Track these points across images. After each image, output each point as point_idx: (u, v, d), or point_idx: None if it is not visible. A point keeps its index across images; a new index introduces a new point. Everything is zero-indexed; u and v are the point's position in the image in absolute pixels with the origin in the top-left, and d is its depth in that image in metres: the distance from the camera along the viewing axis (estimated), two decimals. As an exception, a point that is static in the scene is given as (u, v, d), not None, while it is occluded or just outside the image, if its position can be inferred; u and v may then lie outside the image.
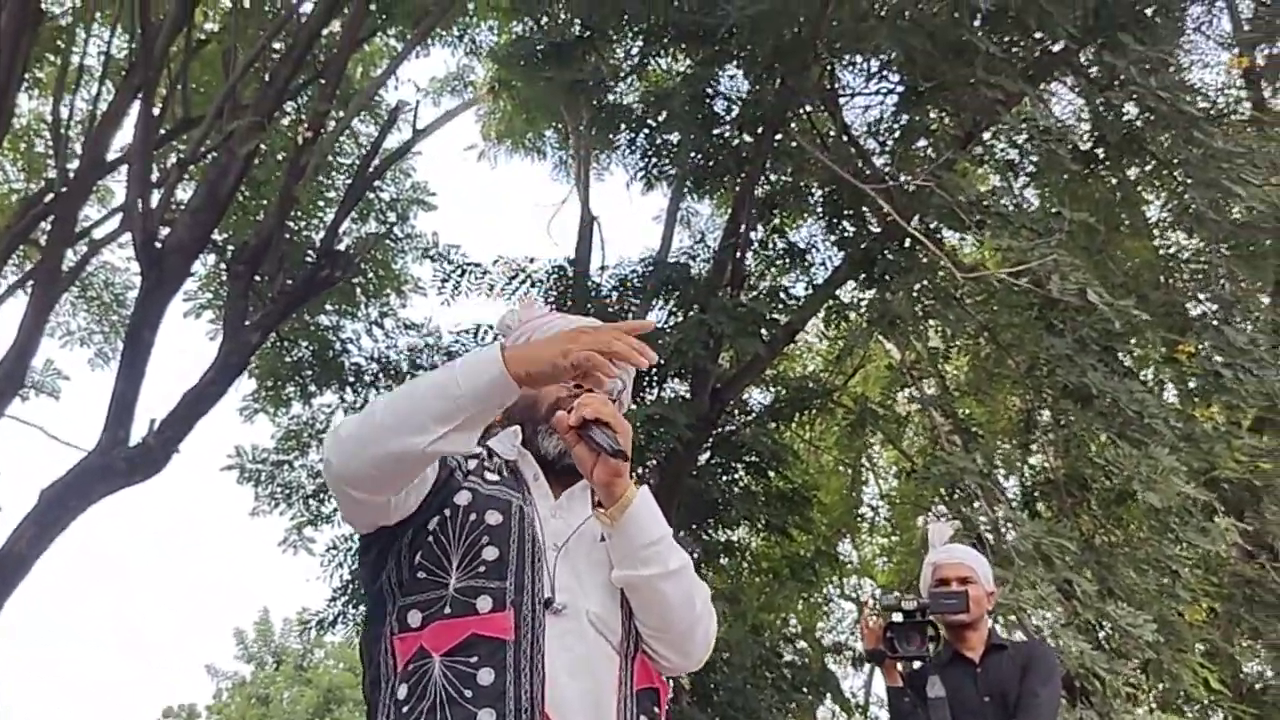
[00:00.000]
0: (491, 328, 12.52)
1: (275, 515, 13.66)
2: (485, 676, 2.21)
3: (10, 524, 10.32)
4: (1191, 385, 10.88)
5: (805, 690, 12.99)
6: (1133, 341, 9.97)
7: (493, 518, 2.38)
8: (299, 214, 12.89)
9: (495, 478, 2.48)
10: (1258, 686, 10.96)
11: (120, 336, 14.82)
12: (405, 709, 2.24)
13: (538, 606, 2.30)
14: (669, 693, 2.53)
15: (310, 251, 12.55)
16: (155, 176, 11.81)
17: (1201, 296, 11.59)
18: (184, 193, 12.48)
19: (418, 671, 2.25)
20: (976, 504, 9.61)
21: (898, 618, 4.79)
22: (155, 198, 11.32)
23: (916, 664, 4.87)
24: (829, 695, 14.03)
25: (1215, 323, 9.96)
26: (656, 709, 2.44)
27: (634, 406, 10.80)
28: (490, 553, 2.33)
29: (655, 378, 11.37)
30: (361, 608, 11.44)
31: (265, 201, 13.08)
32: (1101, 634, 8.98)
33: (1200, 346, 9.85)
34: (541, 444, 2.55)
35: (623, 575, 2.41)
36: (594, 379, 2.29)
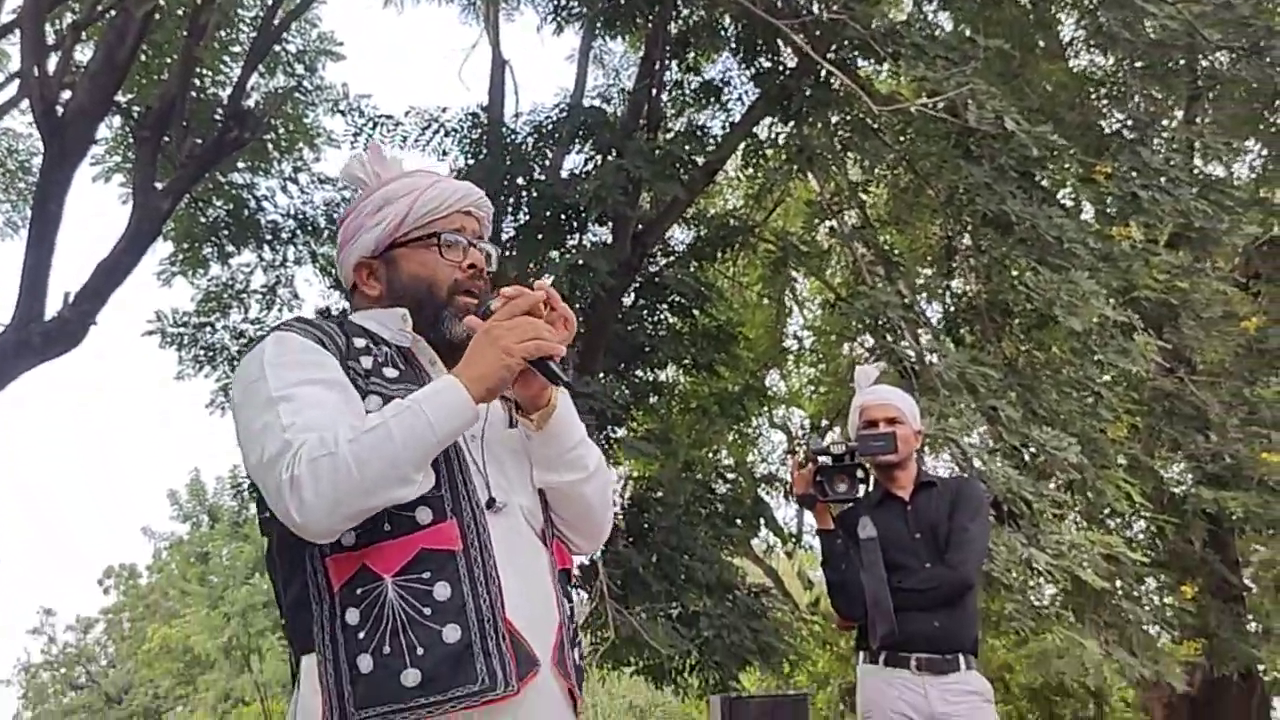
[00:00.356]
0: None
1: (200, 378, 13.56)
2: (441, 591, 2.17)
3: (-73, 405, 10.20)
4: (1109, 206, 10.94)
5: (739, 522, 13.15)
6: (1050, 166, 9.99)
7: None
8: (203, 72, 12.57)
9: (395, 373, 2.36)
10: (1178, 495, 11.17)
11: (27, 204, 14.53)
12: (361, 635, 2.18)
13: (477, 510, 2.26)
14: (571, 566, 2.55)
15: (218, 110, 12.27)
16: (51, 40, 11.44)
17: (1117, 116, 11.63)
18: (82, 56, 12.12)
19: (369, 595, 2.19)
20: (901, 334, 9.69)
21: (827, 461, 4.82)
22: (52, 63, 10.98)
23: (847, 506, 4.92)
24: (763, 525, 14.22)
25: (1131, 142, 10.00)
26: (569, 587, 2.46)
27: (555, 256, 10.77)
28: None
29: (575, 225, 11.30)
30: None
31: (168, 61, 12.74)
32: (1026, 456, 9.13)
33: (1116, 167, 9.90)
34: (447, 328, 2.44)
35: (548, 480, 2.42)
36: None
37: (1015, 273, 10.06)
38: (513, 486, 2.38)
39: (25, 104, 12.43)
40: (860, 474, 4.83)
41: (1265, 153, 13.10)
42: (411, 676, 2.13)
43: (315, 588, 2.24)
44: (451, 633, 2.15)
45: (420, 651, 2.14)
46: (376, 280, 2.50)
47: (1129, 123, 10.99)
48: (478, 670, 2.14)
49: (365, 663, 2.16)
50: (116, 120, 13.02)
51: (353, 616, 2.18)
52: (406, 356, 2.41)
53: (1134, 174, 9.44)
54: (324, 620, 2.22)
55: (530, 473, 2.43)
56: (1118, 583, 9.40)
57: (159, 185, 10.99)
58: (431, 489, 2.22)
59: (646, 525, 11.58)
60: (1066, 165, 10.13)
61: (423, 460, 2.15)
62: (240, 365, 2.33)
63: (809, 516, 18.66)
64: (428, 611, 2.16)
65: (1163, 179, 9.30)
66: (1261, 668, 14.86)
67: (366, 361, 2.33)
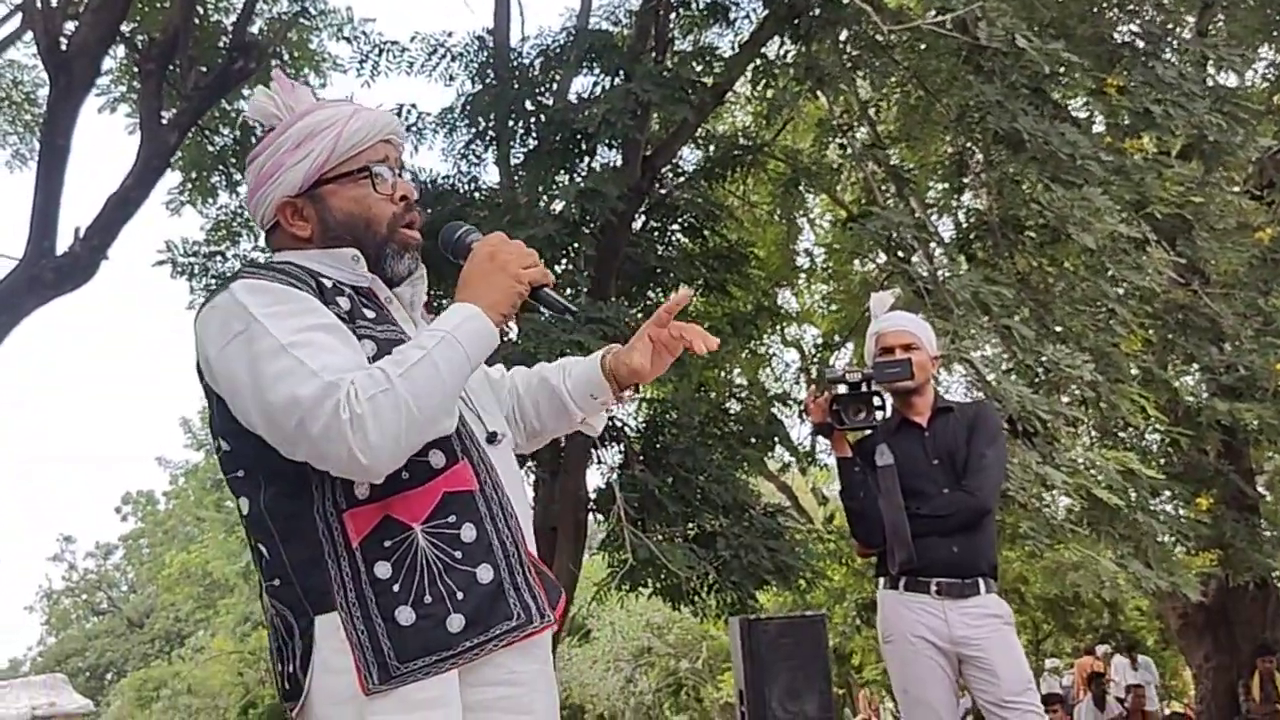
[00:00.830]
0: (415, 107, 12.31)
1: (213, 307, 13.55)
2: (468, 533, 2.18)
3: (-59, 339, 10.23)
4: (1121, 120, 10.87)
5: (754, 442, 13.20)
6: (1061, 80, 9.92)
7: None
8: (208, 1, 12.50)
9: (371, 314, 2.31)
10: (1192, 407, 11.19)
11: (35, 136, 14.49)
12: (397, 588, 2.15)
13: (480, 447, 2.27)
14: None
15: (223, 39, 12.21)
16: (53, -29, 11.37)
17: (1129, 28, 11.52)
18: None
19: (399, 546, 2.16)
20: (914, 251, 9.67)
21: (843, 390, 4.83)
22: (55, -5, 10.93)
23: (865, 433, 4.94)
24: (778, 443, 14.27)
25: (1143, 55, 9.92)
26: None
27: (564, 181, 10.74)
28: None
29: (584, 149, 11.26)
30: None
31: (170, -9, 12.66)
32: (1040, 373, 9.13)
33: (1128, 80, 9.83)
34: (389, 266, 2.38)
35: (579, 415, 2.54)
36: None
37: (1027, 189, 10.03)
38: (496, 417, 2.41)
39: (29, 36, 12.39)
40: (877, 401, 4.83)
41: (1279, 61, 13.00)
42: (456, 622, 2.14)
43: (330, 545, 2.17)
44: (485, 573, 2.17)
45: (460, 596, 2.15)
46: (304, 220, 2.37)
47: (1141, 35, 10.89)
48: (511, 606, 2.17)
49: (405, 614, 2.13)
50: (121, 51, 12.96)
51: (383, 570, 2.14)
52: (368, 296, 2.34)
53: (1147, 87, 9.37)
54: (344, 578, 2.15)
55: (502, 400, 2.51)
56: (1132, 495, 9.43)
57: (166, 116, 10.95)
58: None
59: (661, 447, 11.64)
60: (1078, 79, 10.06)
61: (460, 389, 2.16)
62: (211, 320, 2.20)
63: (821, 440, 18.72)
64: (459, 555, 2.17)
65: (1175, 92, 9.24)
66: (1277, 574, 14.96)
67: (343, 303, 2.26)
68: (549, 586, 2.22)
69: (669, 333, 2.50)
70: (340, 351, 2.12)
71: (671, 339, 2.50)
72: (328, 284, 2.27)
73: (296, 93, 2.45)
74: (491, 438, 2.30)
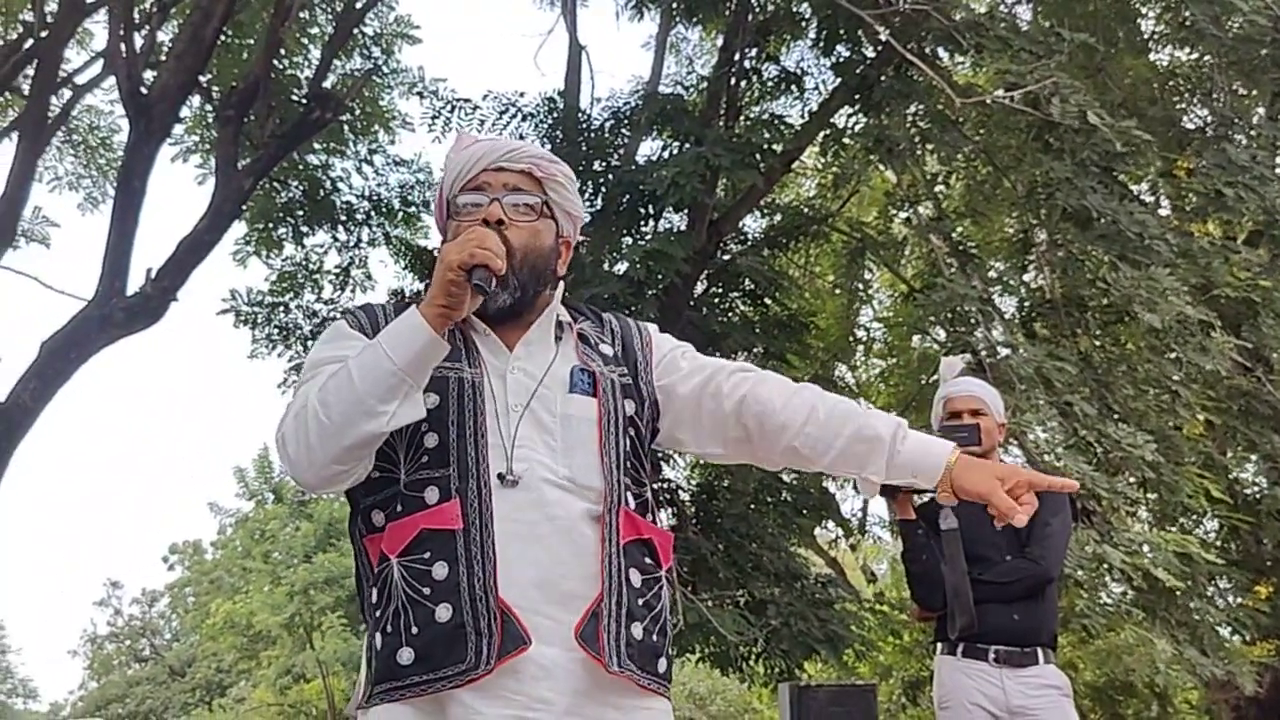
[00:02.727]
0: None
1: (273, 357, 13.69)
2: (440, 571, 2.20)
3: (12, 376, 10.37)
4: (1187, 202, 10.87)
5: (806, 513, 13.15)
6: (1131, 160, 9.92)
7: (430, 400, 2.27)
8: (285, 54, 12.69)
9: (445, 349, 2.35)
10: (1253, 496, 11.11)
11: (109, 180, 14.72)
12: (378, 613, 2.26)
13: (484, 488, 2.24)
14: (670, 540, 2.47)
15: (297, 92, 12.39)
16: (136, 18, 11.60)
17: (1199, 112, 11.53)
18: (167, 35, 12.27)
19: (382, 575, 2.26)
20: (977, 329, 9.66)
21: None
22: (137, 41, 11.13)
23: (929, 497, 4.91)
24: (829, 517, 14.20)
25: (1214, 139, 9.92)
26: (650, 559, 2.38)
27: (630, 242, 10.78)
28: (430, 440, 2.27)
29: (650, 211, 11.32)
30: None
31: (250, 42, 12.87)
32: (1101, 451, 9.08)
33: (1199, 163, 9.82)
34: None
35: (877, 477, 2.47)
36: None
37: (1092, 268, 10.01)
38: (552, 448, 2.33)
39: (108, 81, 12.63)
40: (943, 465, 4.81)
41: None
42: (406, 654, 2.19)
43: (362, 566, 2.35)
44: (444, 612, 2.17)
45: (415, 631, 2.19)
46: None
47: (1212, 119, 10.90)
48: (468, 649, 2.16)
49: (378, 641, 2.24)
50: (196, 100, 13.16)
51: (374, 596, 2.28)
52: (460, 331, 2.38)
53: (1219, 169, 9.36)
54: (365, 597, 2.33)
55: (599, 440, 2.37)
56: (1190, 582, 9.34)
57: (240, 165, 11.11)
58: (441, 469, 2.25)
59: (715, 512, 11.61)
60: (1148, 161, 10.06)
61: (386, 391, 2.17)
62: None
63: (874, 509, 18.62)
64: (426, 591, 2.19)
65: (1248, 175, 9.22)
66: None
67: None
68: (509, 636, 2.17)
69: (1022, 494, 2.35)
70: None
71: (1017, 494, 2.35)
72: None
73: (457, 137, 2.58)
74: (501, 477, 2.26)
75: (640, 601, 2.31)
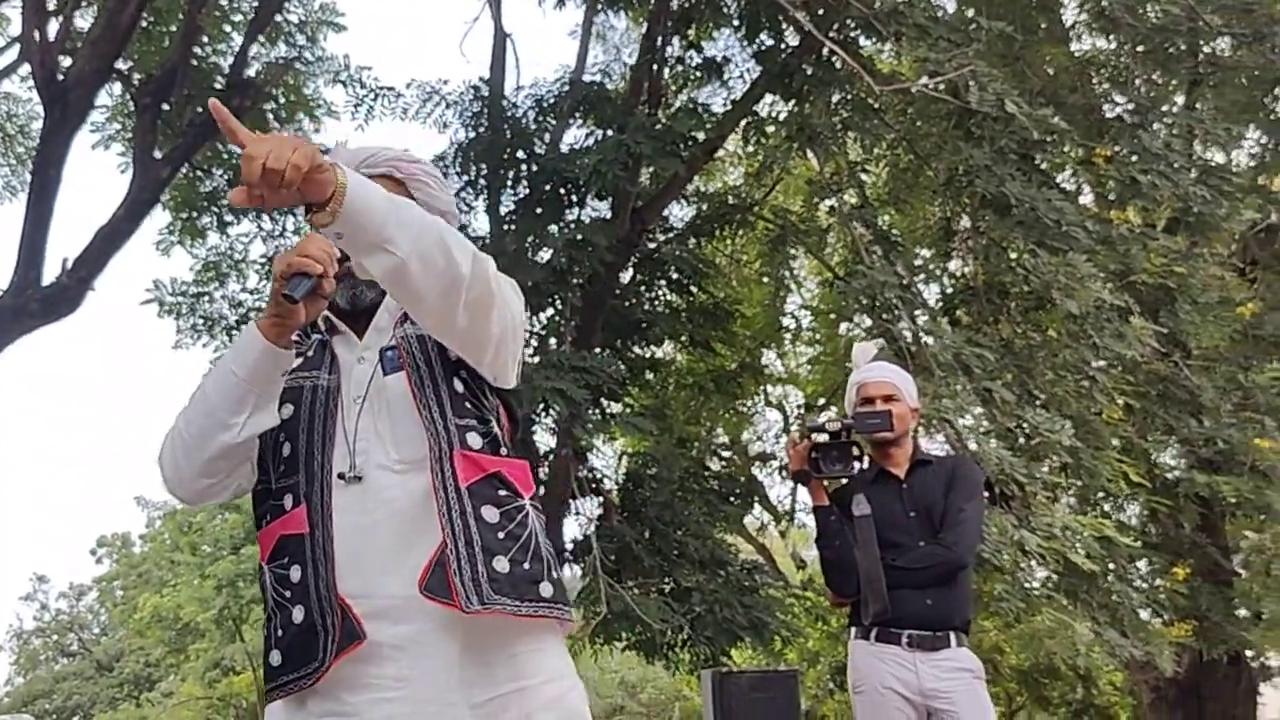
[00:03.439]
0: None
1: (198, 347, 13.55)
2: (295, 574, 2.27)
3: (-75, 368, 10.21)
4: (1108, 190, 10.96)
5: (733, 500, 13.20)
6: (1050, 148, 9.99)
7: (285, 411, 2.37)
8: (205, 40, 12.55)
9: (299, 360, 2.44)
10: (1171, 479, 11.22)
11: (26, 168, 14.52)
12: (265, 619, 2.36)
13: (326, 489, 2.29)
14: (525, 468, 2.48)
15: (219, 79, 12.26)
16: (52, 4, 11.42)
17: (1118, 100, 11.63)
18: (83, 22, 12.09)
19: (261, 582, 2.36)
20: (898, 314, 9.70)
21: (823, 438, 4.83)
22: (53, 28, 10.97)
23: (843, 482, 4.94)
24: (756, 503, 14.25)
25: (1132, 127, 10.01)
26: (505, 491, 2.38)
27: (554, 230, 10.76)
28: (285, 449, 2.36)
29: (574, 199, 11.30)
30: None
31: (170, 29, 12.71)
32: (1021, 437, 9.15)
33: (1117, 151, 9.91)
34: (338, 297, 2.47)
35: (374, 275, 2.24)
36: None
37: (1013, 255, 10.08)
38: (384, 433, 2.36)
39: (25, 69, 12.43)
40: (856, 451, 4.84)
41: (1264, 140, 13.11)
42: (275, 656, 2.28)
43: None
44: (298, 613, 2.25)
45: (280, 633, 2.28)
46: None
47: (1130, 107, 10.99)
48: (319, 648, 2.22)
49: (262, 644, 2.35)
50: (116, 87, 12.99)
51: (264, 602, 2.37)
52: (326, 338, 2.49)
53: (1134, 158, 9.45)
54: None
55: (416, 410, 2.37)
56: (1109, 565, 9.43)
57: (159, 153, 10.97)
58: (294, 476, 2.32)
59: (641, 501, 11.61)
60: (1066, 148, 10.14)
61: (235, 403, 2.26)
62: None
63: (803, 495, 18.70)
64: (286, 594, 2.28)
65: (1162, 163, 9.32)
66: (1250, 653, 14.94)
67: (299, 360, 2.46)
68: (346, 631, 2.21)
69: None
70: None
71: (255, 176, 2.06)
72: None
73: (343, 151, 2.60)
74: (341, 476, 2.31)
75: (501, 535, 2.32)
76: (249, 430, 2.27)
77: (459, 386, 2.42)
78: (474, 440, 2.38)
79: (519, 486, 2.42)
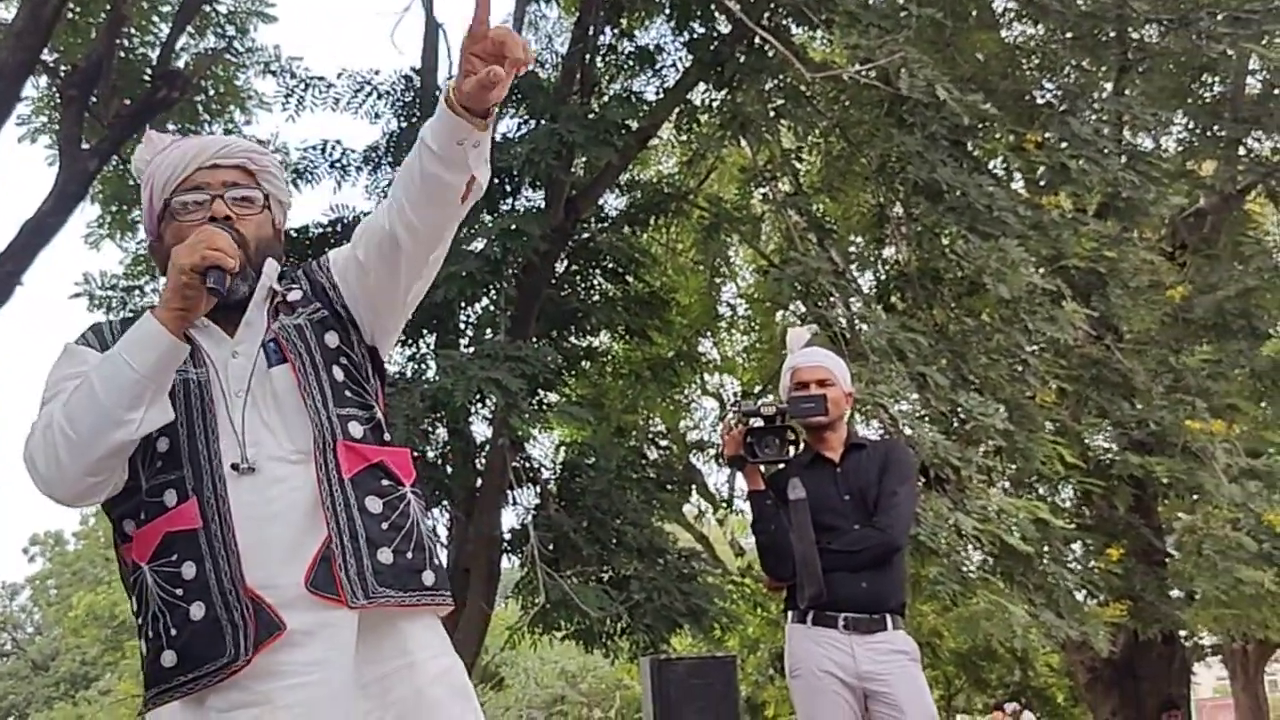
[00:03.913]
0: (340, 144, 12.31)
1: (130, 342, 13.39)
2: (188, 570, 2.22)
3: None
4: (1039, 175, 11.05)
5: (671, 488, 13.22)
6: (981, 135, 10.06)
7: None
8: (132, 31, 12.40)
9: None
10: (1104, 460, 11.32)
11: (-48, 164, 14.33)
12: (140, 621, 2.29)
13: (219, 482, 2.25)
14: (405, 455, 2.48)
15: (146, 70, 12.12)
16: (-27, -4, 11.28)
17: (1047, 86, 11.72)
18: (6, 13, 11.92)
19: (137, 583, 2.28)
20: (832, 300, 9.75)
21: (757, 423, 4.84)
22: (-25, 19, 10.82)
23: (778, 467, 4.95)
24: (694, 491, 14.29)
25: (1061, 112, 10.10)
26: (388, 481, 2.39)
27: (488, 220, 10.73)
28: (162, 444, 2.28)
29: (508, 189, 11.27)
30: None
31: (95, 20, 12.55)
32: (956, 421, 9.22)
33: (1047, 137, 9.99)
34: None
35: (458, 176, 2.28)
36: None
37: (946, 240, 10.15)
38: (273, 426, 2.34)
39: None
40: (790, 435, 4.85)
41: (1192, 125, 13.26)
42: (169, 657, 2.21)
43: (124, 575, 2.36)
44: (197, 610, 2.19)
45: (174, 632, 2.21)
46: (160, 262, 2.43)
47: (1059, 93, 11.11)
48: (226, 643, 2.18)
49: (143, 648, 2.27)
50: (42, 80, 12.83)
51: (134, 604, 2.30)
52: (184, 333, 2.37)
53: (1064, 144, 9.56)
54: (131, 607, 2.34)
55: (303, 401, 2.36)
56: (1044, 547, 9.51)
57: (86, 145, 10.84)
58: (175, 471, 2.26)
59: (578, 490, 11.61)
60: (997, 134, 10.22)
61: (132, 400, 2.18)
62: None
63: (740, 482, 18.73)
64: (179, 592, 2.22)
65: (1092, 149, 9.41)
66: (1183, 632, 15.13)
67: None
68: (263, 623, 2.19)
69: (489, 43, 2.19)
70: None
71: (494, 46, 2.18)
72: None
73: (152, 142, 2.52)
74: (235, 467, 2.28)
75: (385, 526, 2.33)
76: (146, 426, 2.21)
77: (339, 375, 2.42)
78: (356, 430, 2.38)
79: (400, 475, 2.43)
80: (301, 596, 2.22)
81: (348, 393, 2.42)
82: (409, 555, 2.35)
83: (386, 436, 2.47)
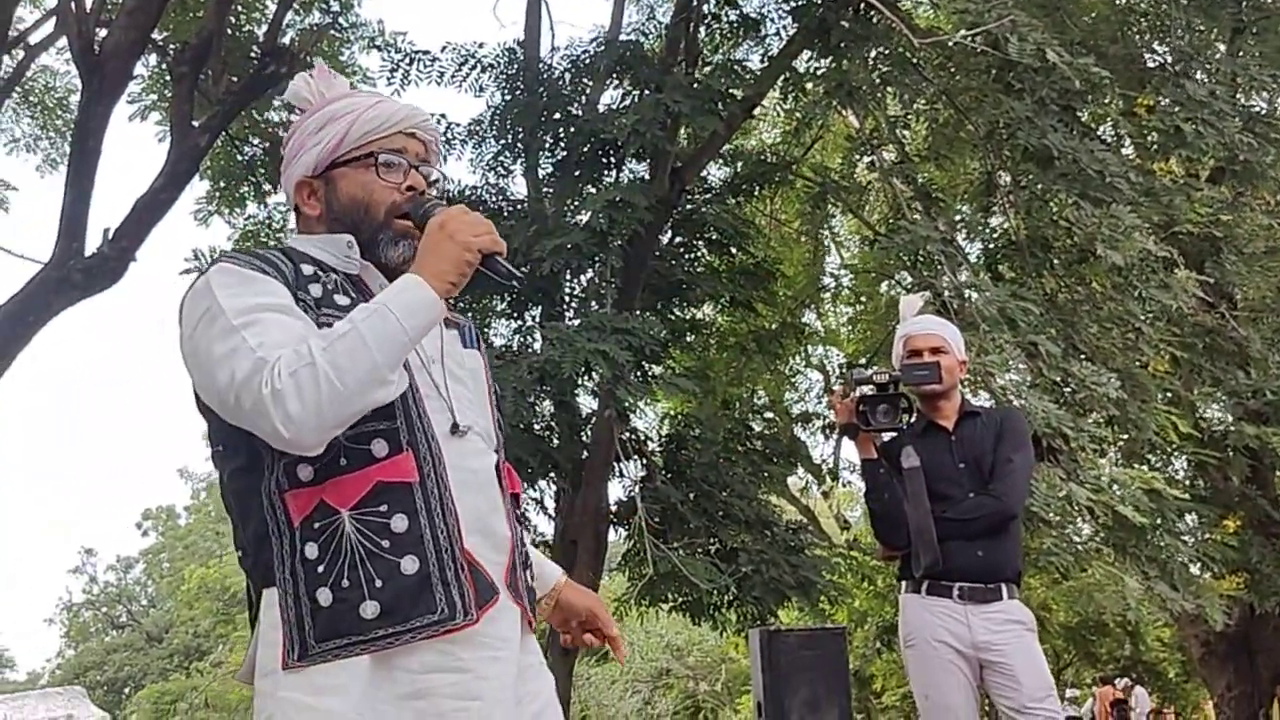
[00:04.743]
0: (445, 118, 12.35)
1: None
2: (399, 523, 2.19)
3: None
4: (1151, 140, 10.86)
5: (776, 460, 13.18)
6: (1091, 99, 9.89)
7: None
8: (240, 9, 12.55)
9: (346, 300, 2.33)
10: (1219, 432, 11.14)
11: (66, 141, 14.58)
12: (321, 568, 2.19)
13: (433, 440, 2.26)
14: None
15: (254, 48, 12.26)
16: (87, -24, 11.44)
17: (1159, 48, 11.51)
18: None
19: (327, 529, 2.20)
20: (940, 269, 9.65)
21: (870, 391, 4.81)
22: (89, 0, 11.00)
23: (891, 435, 4.91)
24: (799, 464, 14.24)
25: (1174, 76, 9.91)
26: (517, 512, 2.47)
27: (592, 191, 10.74)
28: None
29: (612, 161, 11.27)
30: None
31: (204, -1, 12.72)
32: (1067, 390, 9.10)
33: (1159, 100, 9.81)
34: (384, 252, 2.40)
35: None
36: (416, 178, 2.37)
37: (1055, 208, 10.01)
38: (472, 409, 2.38)
39: (62, 41, 12.47)
40: (903, 404, 4.81)
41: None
42: (370, 608, 2.15)
43: (275, 523, 2.24)
44: (410, 564, 2.17)
45: (379, 584, 2.16)
46: (316, 200, 2.45)
47: (1172, 55, 10.88)
48: (437, 600, 2.16)
49: (325, 596, 2.17)
50: (153, 58, 13.02)
51: (312, 551, 2.20)
52: (355, 283, 2.38)
53: (1177, 107, 9.36)
54: (284, 555, 2.22)
55: (489, 394, 2.46)
56: (1158, 519, 9.37)
57: (196, 122, 10.99)
58: (385, 422, 2.23)
59: (684, 462, 11.62)
60: (1108, 99, 10.04)
61: (396, 360, 2.16)
62: (185, 303, 2.29)
63: (846, 453, 18.68)
64: (386, 544, 2.18)
65: (1206, 112, 9.21)
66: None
67: (315, 290, 2.32)
68: (482, 587, 2.20)
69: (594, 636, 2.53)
70: (289, 328, 2.19)
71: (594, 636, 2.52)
72: (307, 270, 2.33)
73: (332, 80, 2.51)
74: (454, 428, 2.29)
75: (524, 550, 2.42)
76: (399, 388, 2.20)
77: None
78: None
79: (519, 508, 2.52)
80: (500, 576, 2.27)
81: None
82: (530, 579, 2.43)
83: None
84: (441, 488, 2.22)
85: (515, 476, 2.48)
